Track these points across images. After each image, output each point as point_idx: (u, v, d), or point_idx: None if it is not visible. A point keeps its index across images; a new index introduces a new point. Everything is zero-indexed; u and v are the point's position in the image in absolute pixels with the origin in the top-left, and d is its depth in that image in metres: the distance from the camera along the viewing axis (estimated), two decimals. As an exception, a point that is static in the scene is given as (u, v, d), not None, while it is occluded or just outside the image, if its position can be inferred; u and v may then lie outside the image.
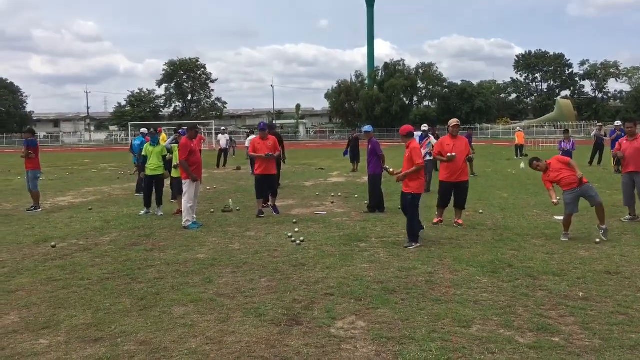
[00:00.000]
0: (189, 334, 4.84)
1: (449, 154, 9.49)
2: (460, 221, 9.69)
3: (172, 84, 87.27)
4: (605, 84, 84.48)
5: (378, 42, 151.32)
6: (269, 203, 11.55)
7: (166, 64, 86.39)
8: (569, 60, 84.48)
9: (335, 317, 5.19)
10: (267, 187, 11.39)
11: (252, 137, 22.47)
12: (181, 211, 11.08)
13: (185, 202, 10.06)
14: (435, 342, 4.53)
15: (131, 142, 15.80)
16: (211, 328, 4.96)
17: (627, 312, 5.16)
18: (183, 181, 10.22)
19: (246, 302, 5.67)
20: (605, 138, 22.91)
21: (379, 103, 70.75)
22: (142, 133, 15.97)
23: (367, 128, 12.56)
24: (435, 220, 9.86)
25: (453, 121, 10.00)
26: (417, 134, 14.11)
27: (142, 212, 11.67)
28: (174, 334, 4.83)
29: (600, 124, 27.47)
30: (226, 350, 4.46)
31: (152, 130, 12.90)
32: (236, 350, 4.47)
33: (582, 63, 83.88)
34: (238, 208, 12.14)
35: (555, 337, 4.63)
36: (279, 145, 11.88)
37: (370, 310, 5.35)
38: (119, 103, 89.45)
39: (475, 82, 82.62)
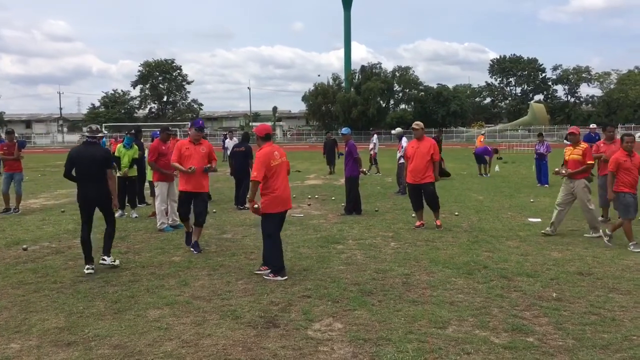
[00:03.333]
0: (164, 337, 4.78)
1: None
2: (438, 222, 9.78)
3: (148, 85, 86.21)
4: (577, 89, 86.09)
5: (354, 45, 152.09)
6: (192, 233, 8.27)
7: (141, 64, 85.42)
8: (542, 65, 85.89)
9: (312, 319, 5.18)
10: (189, 208, 8.18)
11: (230, 140, 22.36)
12: (155, 213, 10.99)
13: (159, 204, 9.96)
14: (412, 343, 4.55)
15: None
16: (187, 331, 4.91)
17: (599, 312, 5.25)
18: (155, 183, 10.13)
19: (222, 305, 5.63)
20: None
21: (355, 106, 70.96)
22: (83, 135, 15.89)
23: (344, 130, 12.60)
24: (417, 224, 9.90)
25: (415, 124, 10.06)
26: (405, 140, 14.26)
27: (116, 215, 11.48)
28: (149, 337, 4.76)
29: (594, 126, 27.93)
30: (202, 354, 4.41)
31: (127, 132, 12.75)
32: (212, 353, 4.43)
33: (555, 68, 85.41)
34: (214, 210, 12.05)
35: (530, 337, 4.68)
36: (214, 154, 8.53)
37: (347, 312, 5.36)
38: (92, 104, 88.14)
39: (450, 85, 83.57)
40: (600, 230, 8.72)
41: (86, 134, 7.47)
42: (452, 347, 4.46)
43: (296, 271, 6.91)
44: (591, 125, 21.42)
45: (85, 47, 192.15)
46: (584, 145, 8.95)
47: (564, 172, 9.08)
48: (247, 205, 11.79)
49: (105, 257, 7.21)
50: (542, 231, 9.16)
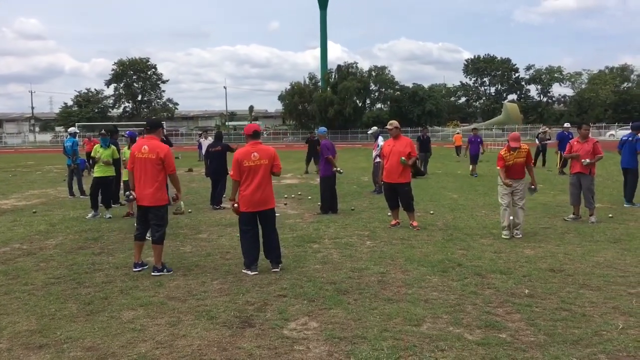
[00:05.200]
0: (138, 338, 4.73)
1: (403, 159, 9.58)
2: (414, 223, 9.69)
3: (122, 84, 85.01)
4: (549, 89, 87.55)
5: (330, 45, 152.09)
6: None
7: (115, 63, 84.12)
8: (515, 65, 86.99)
9: (288, 318, 5.18)
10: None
11: (205, 140, 22.25)
12: (131, 213, 10.87)
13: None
14: (387, 340, 4.58)
15: (63, 144, 15.40)
16: (161, 332, 4.87)
17: (570, 308, 5.35)
18: None
19: (198, 305, 5.59)
20: (549, 141, 23.75)
21: (332, 105, 70.98)
22: (70, 133, 15.69)
23: (320, 130, 12.61)
24: (393, 222, 9.95)
25: (389, 124, 10.10)
26: (381, 138, 14.29)
27: (90, 216, 11.35)
28: (123, 339, 4.71)
29: (545, 127, 28.51)
30: (177, 354, 4.38)
31: (102, 131, 12.59)
32: (187, 354, 4.40)
33: (528, 68, 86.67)
34: (190, 210, 11.95)
35: (502, 333, 4.75)
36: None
37: (323, 311, 5.37)
38: (65, 103, 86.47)
39: (426, 85, 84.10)
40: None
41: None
42: (427, 344, 4.50)
43: (271, 271, 6.90)
44: (565, 125, 21.90)
45: (57, 45, 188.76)
46: (525, 147, 9.09)
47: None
48: (224, 205, 11.79)
49: None
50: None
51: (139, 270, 6.93)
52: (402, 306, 5.47)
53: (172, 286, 6.30)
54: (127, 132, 11.95)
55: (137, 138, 10.55)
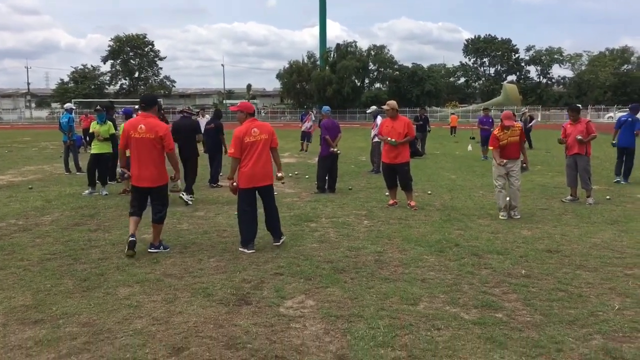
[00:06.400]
0: (134, 314, 4.72)
1: (388, 139, 9.56)
2: (412, 203, 9.70)
3: (118, 61, 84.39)
4: (549, 70, 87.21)
5: (328, 23, 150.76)
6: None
7: (112, 39, 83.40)
8: (515, 45, 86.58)
9: (284, 296, 5.17)
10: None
11: (203, 118, 22.10)
12: (127, 190, 10.83)
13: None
14: (384, 319, 4.58)
15: (59, 120, 15.28)
16: (157, 308, 4.86)
17: (566, 289, 5.35)
18: None
19: (194, 282, 5.58)
20: (534, 122, 24.27)
21: (330, 84, 70.67)
22: (66, 109, 15.55)
23: (323, 109, 12.51)
24: (391, 202, 9.93)
25: (386, 104, 10.01)
26: (379, 118, 14.17)
27: (86, 192, 11.30)
28: (119, 315, 4.70)
29: (525, 109, 29.02)
30: (173, 331, 4.37)
31: (98, 107, 12.46)
32: (183, 330, 4.39)
33: (528, 49, 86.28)
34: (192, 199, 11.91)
35: (499, 313, 4.75)
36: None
37: (320, 289, 5.36)
38: (61, 79, 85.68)
39: (425, 65, 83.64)
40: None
41: None
42: (423, 323, 4.50)
43: (269, 249, 6.89)
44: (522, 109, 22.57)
45: (53, 20, 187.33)
46: (518, 125, 9.06)
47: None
48: (221, 183, 11.76)
49: None
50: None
51: (133, 240, 6.55)
52: (399, 285, 5.46)
53: (168, 263, 6.28)
54: (123, 109, 11.84)
55: (133, 115, 10.48)
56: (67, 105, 16.21)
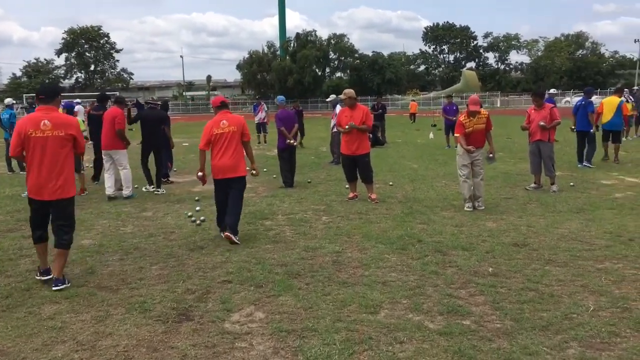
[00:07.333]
0: (56, 338, 4.12)
1: (346, 127, 9.10)
2: (373, 196, 9.26)
3: (73, 54, 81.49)
4: (507, 56, 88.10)
5: (287, 12, 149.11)
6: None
7: (66, 32, 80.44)
8: (474, 32, 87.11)
9: (231, 308, 4.65)
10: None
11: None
12: (83, 190, 10.29)
13: (128, 171, 10.08)
14: (340, 333, 4.11)
15: (0, 116, 14.32)
16: (84, 330, 4.27)
17: (536, 288, 4.98)
18: (121, 152, 10.00)
19: (131, 295, 5.00)
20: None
21: (291, 74, 69.88)
22: (7, 104, 14.68)
23: (278, 99, 11.98)
24: (351, 195, 9.47)
25: (343, 93, 9.50)
26: (338, 107, 13.64)
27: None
28: (38, 340, 4.10)
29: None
30: (98, 358, 3.80)
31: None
32: (111, 356, 3.83)
33: (486, 35, 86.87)
34: (136, 186, 11.20)
35: (466, 319, 4.33)
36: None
37: (271, 299, 4.85)
38: (13, 74, 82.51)
39: (385, 53, 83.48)
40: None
41: None
42: (384, 336, 4.05)
43: (218, 252, 6.34)
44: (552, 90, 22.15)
45: (4, 13, 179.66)
46: (484, 112, 8.67)
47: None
48: (172, 178, 11.12)
49: None
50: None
51: (47, 279, 5.34)
52: (357, 290, 5.00)
53: (105, 273, 5.67)
54: (63, 103, 11.05)
55: (75, 110, 9.75)
56: (8, 100, 15.29)
